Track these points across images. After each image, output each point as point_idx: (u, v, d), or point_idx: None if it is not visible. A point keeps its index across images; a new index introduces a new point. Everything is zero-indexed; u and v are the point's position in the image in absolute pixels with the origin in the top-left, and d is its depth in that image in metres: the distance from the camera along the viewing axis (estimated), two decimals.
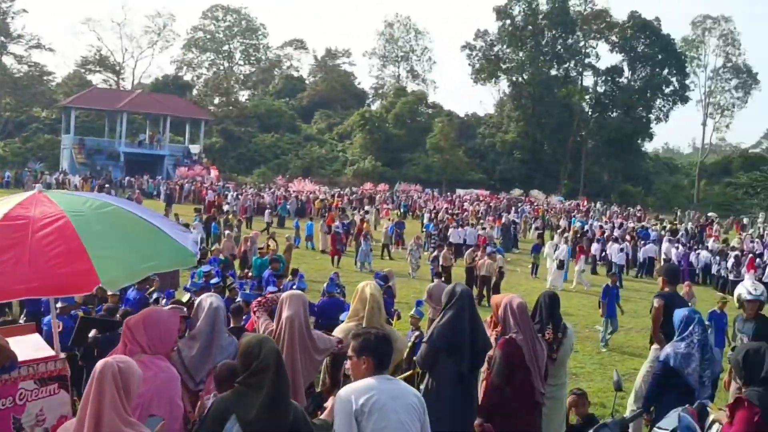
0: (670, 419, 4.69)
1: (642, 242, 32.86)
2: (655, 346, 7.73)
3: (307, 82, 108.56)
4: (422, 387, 6.09)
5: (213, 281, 13.01)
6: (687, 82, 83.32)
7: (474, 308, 5.93)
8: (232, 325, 8.97)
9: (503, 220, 39.18)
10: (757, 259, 27.97)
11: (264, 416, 3.80)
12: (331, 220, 31.40)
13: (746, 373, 4.66)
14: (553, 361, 6.18)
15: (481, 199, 59.13)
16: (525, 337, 5.51)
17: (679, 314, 6.57)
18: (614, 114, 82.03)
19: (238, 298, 11.51)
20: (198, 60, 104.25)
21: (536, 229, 39.98)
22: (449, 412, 5.76)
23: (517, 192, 71.36)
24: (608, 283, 16.69)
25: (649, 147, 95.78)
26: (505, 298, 5.84)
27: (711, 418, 5.18)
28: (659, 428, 4.72)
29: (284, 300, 5.61)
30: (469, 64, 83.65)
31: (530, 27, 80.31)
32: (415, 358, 6.72)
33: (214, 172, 63.43)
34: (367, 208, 44.95)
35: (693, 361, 6.25)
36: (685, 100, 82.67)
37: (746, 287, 7.98)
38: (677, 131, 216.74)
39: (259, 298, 6.34)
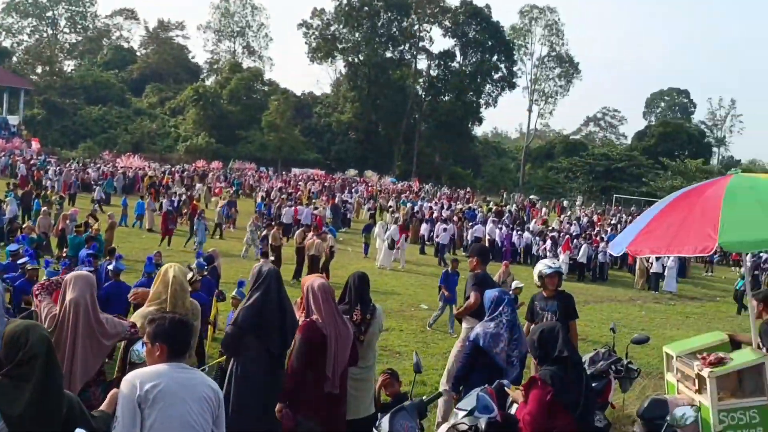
0: (469, 399, 4.71)
1: (469, 223, 33.90)
2: (465, 325, 7.83)
3: (138, 54, 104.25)
4: (228, 371, 5.87)
5: (20, 261, 12.21)
6: (514, 69, 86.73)
7: (282, 287, 5.75)
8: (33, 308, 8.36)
9: (336, 200, 39.33)
10: (574, 240, 29.46)
11: (32, 411, 3.45)
12: (154, 197, 30.37)
13: (540, 352, 4.74)
14: (361, 343, 6.09)
15: (315, 178, 59.14)
16: (326, 320, 5.35)
17: (489, 295, 6.65)
18: (446, 98, 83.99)
19: (44, 279, 10.83)
20: (18, 26, 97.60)
21: (369, 209, 40.38)
22: (257, 396, 5.58)
23: (351, 172, 71.86)
24: (448, 269, 16.81)
25: (478, 131, 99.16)
26: (308, 280, 5.68)
27: (511, 397, 5.28)
28: (458, 409, 4.72)
29: (68, 282, 5.19)
30: (306, 43, 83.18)
31: (366, 8, 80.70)
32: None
33: (35, 145, 59.84)
34: (198, 186, 43.86)
35: (501, 341, 6.34)
36: (512, 86, 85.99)
37: (544, 263, 8.21)
38: (505, 116, 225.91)
39: (42, 281, 5.88)
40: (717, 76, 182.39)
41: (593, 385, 7.47)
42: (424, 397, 5.34)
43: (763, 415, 6.33)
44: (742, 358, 6.53)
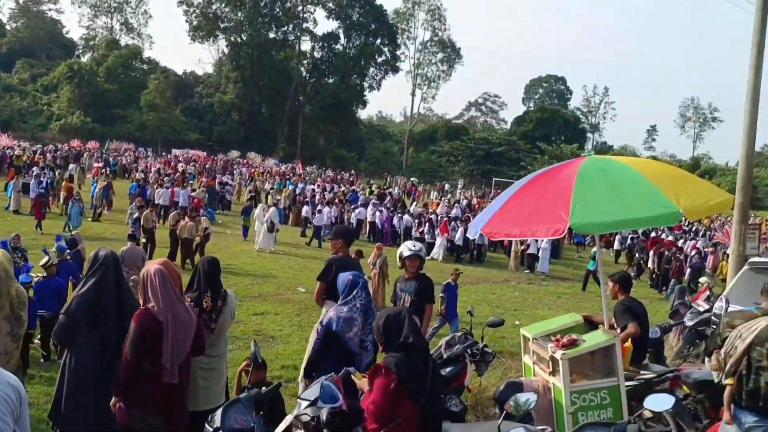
0: (313, 389, 4.52)
1: (351, 206, 33.85)
2: (324, 309, 7.68)
3: (7, 27, 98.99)
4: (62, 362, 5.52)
5: None
6: (398, 53, 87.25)
7: (120, 272, 5.44)
8: None
9: (216, 181, 38.48)
10: (452, 223, 29.82)
11: None
12: (12, 177, 28.94)
13: (385, 338, 4.62)
14: (211, 332, 5.83)
15: (195, 160, 57.80)
16: (162, 307, 5.05)
17: (342, 278, 6.49)
18: (330, 80, 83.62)
19: None
20: None
21: (249, 191, 39.71)
22: (91, 388, 5.27)
23: (234, 154, 70.50)
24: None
25: (363, 114, 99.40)
26: (146, 266, 5.37)
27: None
28: (301, 399, 4.54)
29: None
30: (187, 21, 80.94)
31: None
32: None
33: None
34: (72, 166, 42.04)
35: (354, 325, 6.19)
36: (396, 69, 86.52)
37: (405, 245, 8.23)
38: (390, 100, 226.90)
39: None
40: (593, 64, 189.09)
41: (449, 369, 7.48)
42: (263, 389, 5.10)
43: (613, 396, 6.45)
44: (594, 339, 6.63)
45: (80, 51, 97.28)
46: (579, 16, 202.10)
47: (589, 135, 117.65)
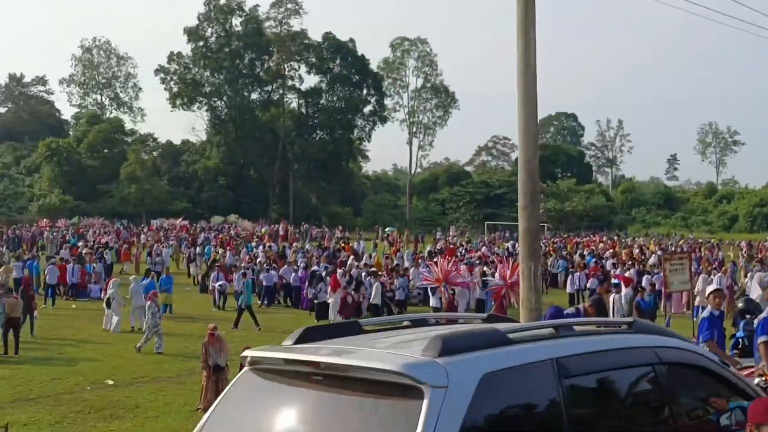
0: None
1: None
2: None
3: None
4: None
5: None
6: (387, 102, 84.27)
7: None
8: None
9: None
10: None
11: None
12: None
13: None
14: None
15: (167, 227, 55.16)
16: None
17: None
18: (317, 136, 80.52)
19: None
20: None
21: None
22: None
23: (218, 219, 66.98)
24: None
25: (371, 167, 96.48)
26: None
27: None
28: None
29: None
30: (165, 89, 78.25)
31: (225, 49, 76.99)
32: None
33: None
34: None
35: None
36: (383, 119, 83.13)
37: None
38: (391, 151, 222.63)
39: None
40: (604, 98, 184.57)
41: None
42: None
43: None
44: None
45: (71, 129, 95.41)
46: (578, 52, 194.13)
47: (606, 170, 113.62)
